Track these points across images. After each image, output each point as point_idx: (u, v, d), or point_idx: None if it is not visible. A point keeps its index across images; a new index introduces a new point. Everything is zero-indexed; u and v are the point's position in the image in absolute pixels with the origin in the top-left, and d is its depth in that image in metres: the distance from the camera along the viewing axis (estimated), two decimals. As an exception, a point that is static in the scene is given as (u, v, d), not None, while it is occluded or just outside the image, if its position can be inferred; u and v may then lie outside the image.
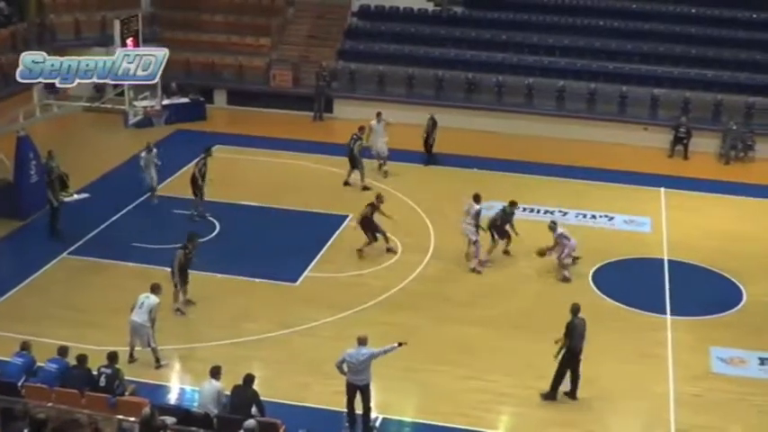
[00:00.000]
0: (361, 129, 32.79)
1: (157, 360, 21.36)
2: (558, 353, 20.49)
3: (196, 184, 28.97)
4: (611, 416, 20.54)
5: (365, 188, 31.89)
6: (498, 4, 43.03)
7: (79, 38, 41.00)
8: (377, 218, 27.30)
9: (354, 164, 32.36)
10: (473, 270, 26.69)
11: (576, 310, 20.61)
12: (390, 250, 27.50)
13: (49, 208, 27.94)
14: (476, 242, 26.74)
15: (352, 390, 19.26)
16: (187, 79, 39.26)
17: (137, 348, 21.56)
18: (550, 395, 20.71)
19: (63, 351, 19.13)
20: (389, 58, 41.63)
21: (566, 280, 26.32)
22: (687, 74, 39.64)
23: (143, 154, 30.26)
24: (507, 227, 27.42)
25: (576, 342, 20.44)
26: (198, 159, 29.30)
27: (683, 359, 22.58)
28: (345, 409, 19.42)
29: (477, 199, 26.87)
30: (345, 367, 19.13)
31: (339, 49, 42.49)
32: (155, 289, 21.56)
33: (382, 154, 33.68)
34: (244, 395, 18.17)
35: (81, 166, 32.01)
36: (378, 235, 27.37)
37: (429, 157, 35.37)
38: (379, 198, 27.67)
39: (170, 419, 16.95)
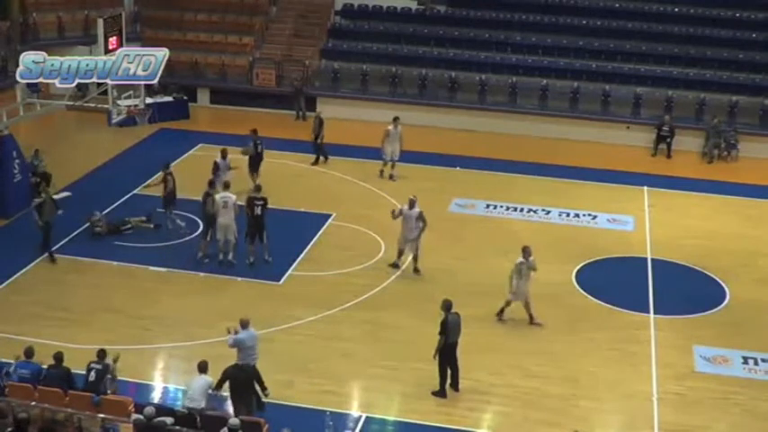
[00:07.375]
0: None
1: None
2: (437, 352, 20.52)
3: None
4: (595, 415, 20.54)
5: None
6: (481, 2, 43.04)
7: (62, 36, 40.90)
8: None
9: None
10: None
11: (448, 306, 20.60)
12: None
13: (41, 229, 26.57)
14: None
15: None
16: (170, 78, 39.10)
17: None
18: (440, 393, 20.74)
19: (29, 353, 18.71)
20: (373, 56, 41.64)
21: None
22: (670, 72, 39.78)
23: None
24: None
25: (452, 337, 20.51)
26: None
27: (667, 358, 22.61)
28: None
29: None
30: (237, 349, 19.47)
31: (322, 48, 42.44)
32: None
33: (395, 156, 33.39)
34: (244, 374, 18.56)
35: (64, 165, 32.00)
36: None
37: (318, 152, 34.93)
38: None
39: (169, 419, 17.01)
